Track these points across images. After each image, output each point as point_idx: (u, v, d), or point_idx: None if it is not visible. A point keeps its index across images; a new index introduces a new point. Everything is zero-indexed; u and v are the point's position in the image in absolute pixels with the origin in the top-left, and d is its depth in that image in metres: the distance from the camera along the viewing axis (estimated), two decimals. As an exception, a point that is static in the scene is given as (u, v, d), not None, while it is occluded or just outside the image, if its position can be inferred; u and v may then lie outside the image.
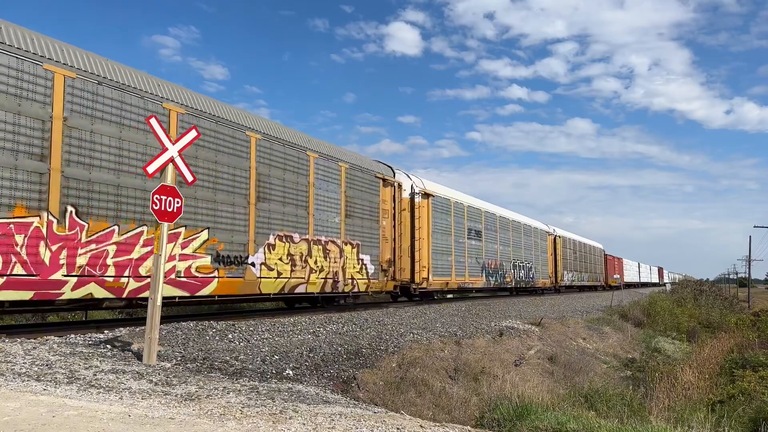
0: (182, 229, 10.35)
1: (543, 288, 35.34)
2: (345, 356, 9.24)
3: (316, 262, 13.88)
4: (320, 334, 10.53)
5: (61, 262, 8.28)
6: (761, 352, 18.46)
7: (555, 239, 37.76)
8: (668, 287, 74.13)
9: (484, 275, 24.90)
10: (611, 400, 10.84)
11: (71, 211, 8.53)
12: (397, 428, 4.67)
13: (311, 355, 8.80)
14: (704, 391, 14.16)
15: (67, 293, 8.37)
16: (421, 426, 4.87)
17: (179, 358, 7.38)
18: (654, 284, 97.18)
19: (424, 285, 19.30)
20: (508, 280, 28.01)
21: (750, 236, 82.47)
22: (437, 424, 5.28)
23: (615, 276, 64.12)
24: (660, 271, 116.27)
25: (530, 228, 33.05)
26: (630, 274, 73.04)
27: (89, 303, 9.17)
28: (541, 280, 33.99)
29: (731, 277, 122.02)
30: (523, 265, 30.69)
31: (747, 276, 71.84)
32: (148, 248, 9.56)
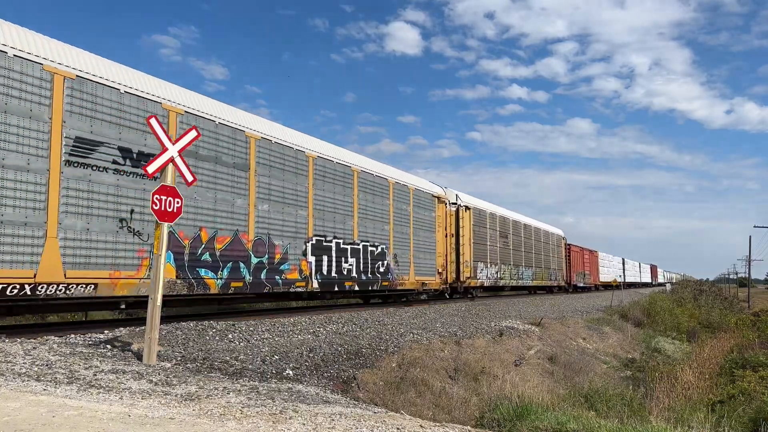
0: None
1: (421, 291, 19.59)
2: (345, 356, 9.24)
3: None
4: (320, 334, 10.54)
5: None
6: (761, 352, 18.46)
7: (458, 211, 22.40)
8: (668, 287, 68.53)
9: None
10: (611, 400, 10.84)
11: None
12: (397, 428, 4.67)
13: (311, 355, 8.80)
14: (704, 391, 14.16)
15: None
16: (421, 426, 4.86)
17: (179, 358, 7.38)
18: (645, 285, 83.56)
19: None
20: (293, 276, 13.12)
21: (750, 236, 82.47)
22: (437, 424, 5.28)
23: (611, 274, 55.36)
24: (653, 269, 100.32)
25: (383, 181, 17.25)
26: (610, 272, 58.63)
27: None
28: (412, 278, 18.55)
29: (731, 277, 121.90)
30: (355, 249, 15.58)
31: (747, 276, 71.91)
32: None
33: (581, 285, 45.73)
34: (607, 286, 56.28)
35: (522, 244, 31.09)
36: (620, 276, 62.83)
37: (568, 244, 42.38)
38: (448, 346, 11.89)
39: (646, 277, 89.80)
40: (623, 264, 68.88)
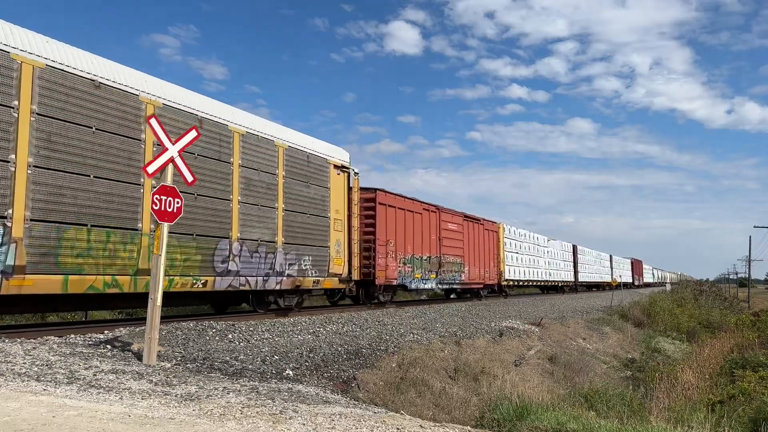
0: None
1: None
2: (345, 356, 9.24)
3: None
4: (320, 335, 10.53)
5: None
6: (761, 352, 18.46)
7: None
8: (668, 288, 59.85)
9: None
10: (611, 400, 10.83)
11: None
12: (397, 428, 4.67)
13: (311, 355, 8.79)
14: (704, 392, 14.15)
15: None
16: (421, 426, 4.86)
17: (179, 358, 7.38)
18: (623, 286, 55.66)
19: None
20: None
21: (750, 236, 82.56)
22: (437, 424, 5.28)
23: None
24: (636, 265, 74.95)
25: None
26: (539, 265, 35.05)
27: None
28: None
29: (731, 277, 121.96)
30: None
31: (747, 276, 71.98)
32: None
33: (425, 286, 20.74)
34: (552, 287, 38.18)
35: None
36: (565, 272, 40.76)
37: (368, 190, 17.35)
38: (448, 346, 11.89)
39: (626, 276, 66.20)
40: (574, 254, 43.28)
